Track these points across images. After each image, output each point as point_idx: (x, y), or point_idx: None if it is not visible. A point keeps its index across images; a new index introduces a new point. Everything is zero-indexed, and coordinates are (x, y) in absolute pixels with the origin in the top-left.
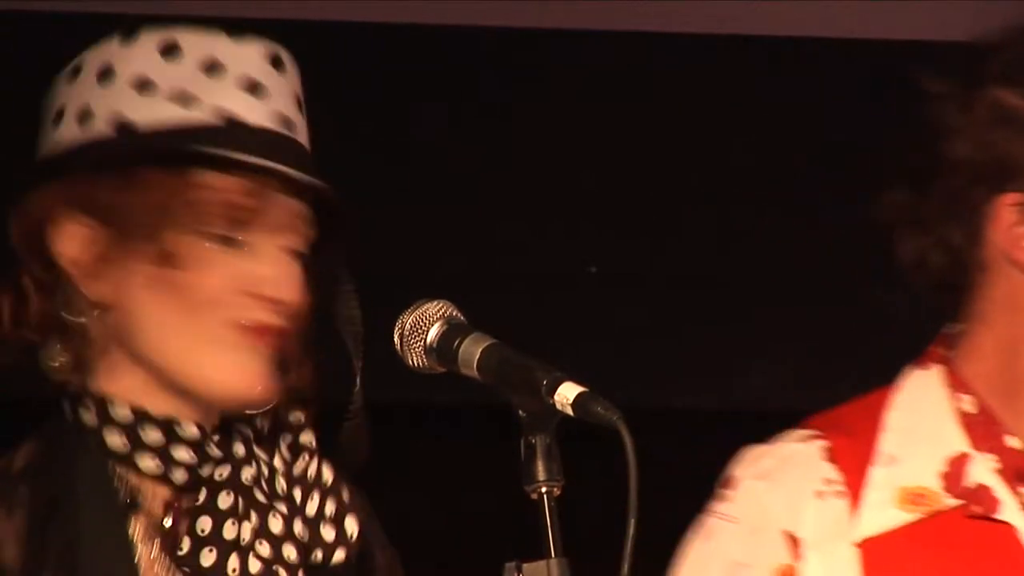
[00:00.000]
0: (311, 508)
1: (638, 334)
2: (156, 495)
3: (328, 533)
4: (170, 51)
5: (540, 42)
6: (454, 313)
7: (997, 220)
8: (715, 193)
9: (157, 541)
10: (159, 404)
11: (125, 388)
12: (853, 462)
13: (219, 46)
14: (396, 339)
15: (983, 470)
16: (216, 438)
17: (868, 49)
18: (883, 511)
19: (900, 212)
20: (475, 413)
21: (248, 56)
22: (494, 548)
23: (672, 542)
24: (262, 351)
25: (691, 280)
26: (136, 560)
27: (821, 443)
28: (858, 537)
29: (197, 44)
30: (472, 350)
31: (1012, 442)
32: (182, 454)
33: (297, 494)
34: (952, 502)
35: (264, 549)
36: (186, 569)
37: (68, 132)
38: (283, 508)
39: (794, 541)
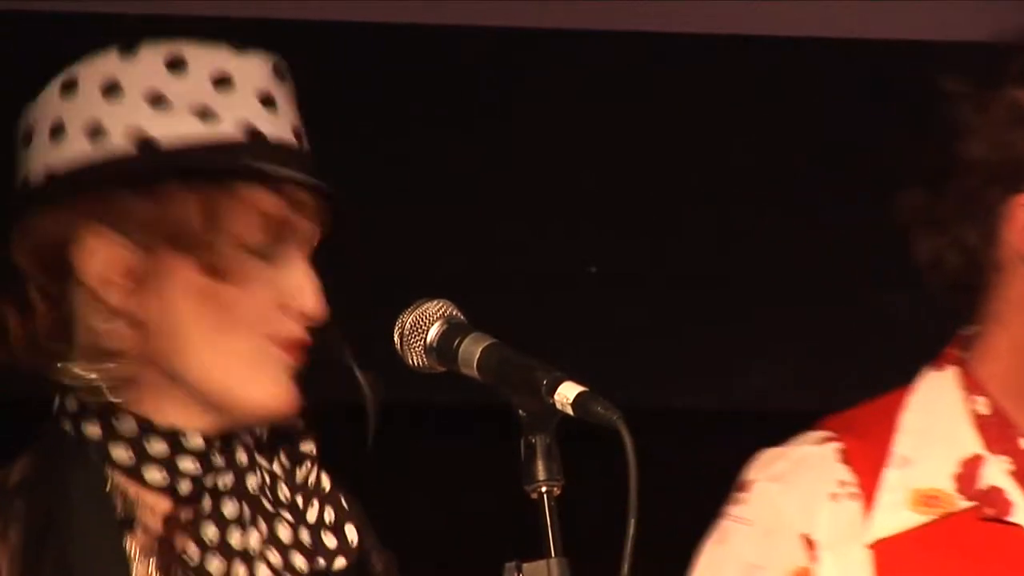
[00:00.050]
0: (312, 515)
1: (638, 334)
2: (156, 509)
3: (330, 540)
4: (176, 65)
5: (540, 42)
6: (454, 312)
7: (1012, 220)
8: (715, 193)
9: (154, 559)
10: (165, 415)
11: (132, 400)
12: (867, 464)
13: (225, 59)
14: (396, 339)
15: (997, 472)
16: (217, 445)
17: (868, 49)
18: (896, 513)
19: (916, 212)
20: (475, 413)
21: (255, 69)
22: (494, 548)
23: (672, 542)
24: (292, 365)
25: (691, 280)
26: None
27: (835, 445)
28: (871, 539)
29: (202, 57)
30: (472, 350)
31: None
32: (187, 465)
33: (299, 501)
34: (965, 504)
35: (274, 557)
36: None
37: (76, 148)
38: (288, 516)
39: (809, 543)
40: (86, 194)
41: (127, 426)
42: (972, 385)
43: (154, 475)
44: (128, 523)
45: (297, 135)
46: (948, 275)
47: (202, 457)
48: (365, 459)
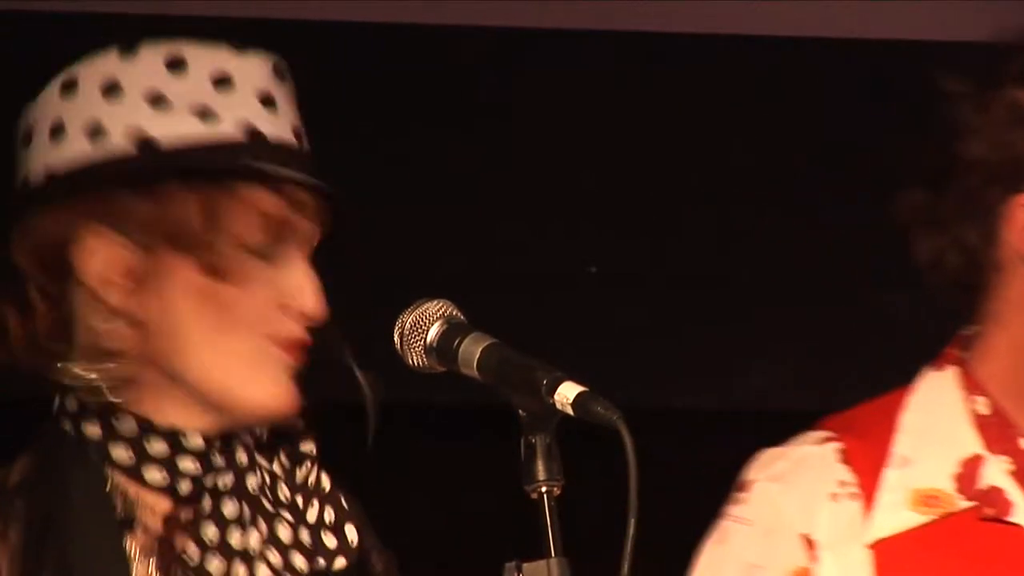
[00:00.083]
0: (311, 515)
1: (638, 334)
2: (156, 509)
3: (330, 540)
4: (176, 65)
5: (540, 42)
6: (454, 312)
7: (1012, 220)
8: (715, 193)
9: (154, 559)
10: (165, 415)
11: (132, 400)
12: (867, 464)
13: (225, 59)
14: (396, 338)
15: (996, 472)
16: (217, 445)
17: (868, 49)
18: (896, 513)
19: (916, 212)
20: (475, 413)
21: (255, 69)
22: (494, 548)
23: (672, 542)
24: (292, 365)
25: (691, 280)
26: None
27: (836, 445)
28: (871, 539)
29: (202, 57)
30: (472, 350)
31: None
32: (187, 465)
33: (299, 501)
34: (965, 504)
35: (274, 557)
36: None
37: (76, 148)
38: (288, 516)
39: (809, 543)
40: (86, 194)
41: (127, 426)
42: (972, 385)
43: (154, 475)
44: (128, 523)
45: (297, 135)
46: (948, 275)
47: (202, 457)
48: (365, 459)
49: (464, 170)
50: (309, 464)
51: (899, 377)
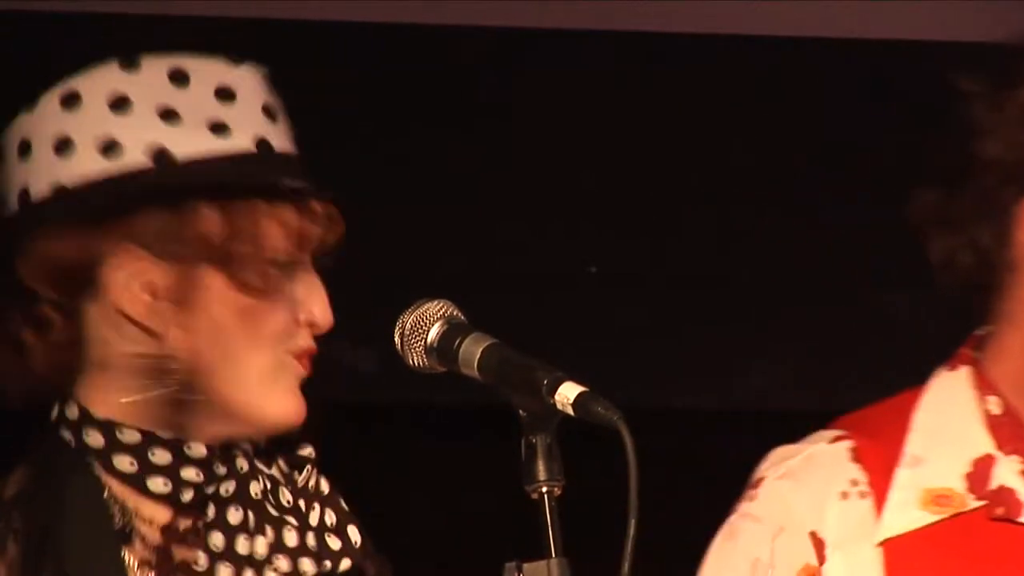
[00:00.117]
0: (314, 519)
1: (638, 334)
2: (154, 519)
3: (334, 542)
4: (179, 78)
5: (540, 42)
6: (455, 313)
7: None
8: (715, 193)
9: (152, 571)
10: (165, 423)
11: (137, 410)
12: (879, 463)
13: (224, 72)
14: (396, 339)
15: (1008, 472)
16: (218, 453)
17: (868, 49)
18: (906, 512)
19: (929, 212)
20: (475, 413)
21: (253, 81)
22: (494, 548)
23: (672, 542)
24: (303, 375)
25: (691, 280)
26: None
27: (847, 444)
28: (881, 537)
29: (202, 70)
30: (472, 350)
31: None
32: (190, 473)
33: (302, 505)
34: (976, 504)
35: (283, 563)
36: None
37: (88, 163)
38: (293, 520)
39: (818, 542)
40: (106, 210)
41: (130, 435)
42: (984, 385)
43: (157, 484)
44: (126, 534)
45: (293, 144)
46: (961, 275)
47: (204, 465)
48: (365, 459)
49: (464, 170)
50: (309, 468)
51: (899, 377)
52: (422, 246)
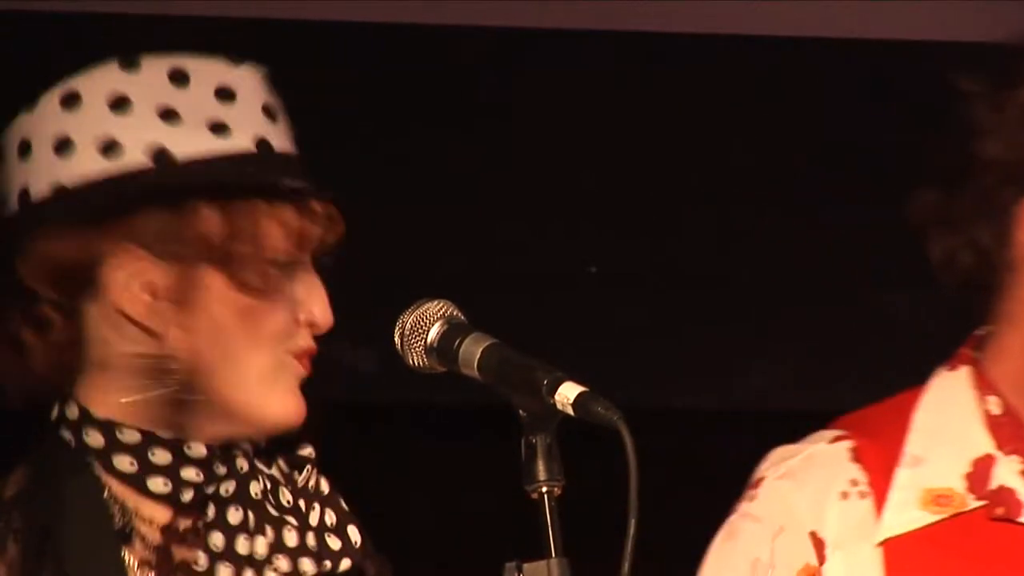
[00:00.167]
0: (314, 519)
1: (638, 334)
2: (154, 519)
3: (334, 542)
4: (179, 78)
5: (540, 42)
6: (455, 313)
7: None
8: (715, 193)
9: (151, 571)
10: (166, 423)
11: (137, 410)
12: (879, 463)
13: (224, 72)
14: (396, 339)
15: (1008, 472)
16: (218, 454)
17: (868, 49)
18: (906, 512)
19: (930, 211)
20: (475, 413)
21: (253, 81)
22: (494, 548)
23: (672, 542)
24: (303, 375)
25: (691, 280)
26: None
27: (847, 444)
28: (880, 537)
29: (202, 70)
30: (472, 350)
31: None
32: (190, 473)
33: (302, 505)
34: (976, 504)
35: (283, 563)
36: None
37: (88, 163)
38: (293, 520)
39: (818, 541)
40: (106, 210)
41: (130, 435)
42: (984, 385)
43: (157, 484)
44: (126, 535)
45: (292, 143)
46: (962, 275)
47: (204, 465)
48: (365, 459)
49: (464, 170)
50: (309, 468)
51: (899, 377)
52: (422, 246)
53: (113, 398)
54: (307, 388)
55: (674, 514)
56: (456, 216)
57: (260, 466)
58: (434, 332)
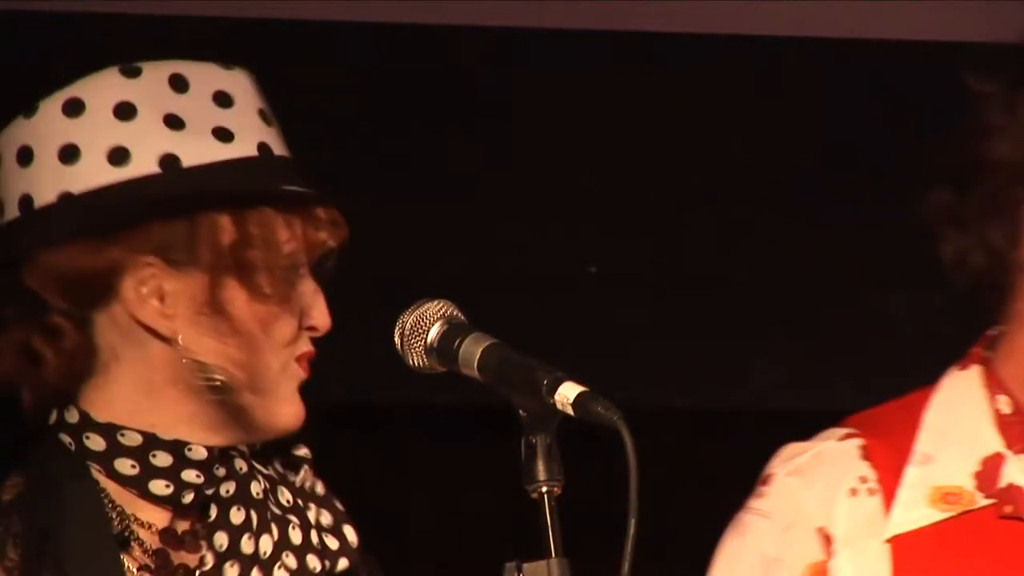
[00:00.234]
0: (312, 518)
1: (638, 334)
2: (153, 524)
3: (332, 542)
4: (179, 84)
5: (540, 42)
6: (455, 313)
7: None
8: (715, 193)
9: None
10: (172, 429)
11: (139, 413)
12: (888, 461)
13: (220, 76)
14: (396, 339)
15: (1017, 471)
16: (216, 455)
17: (868, 49)
18: (915, 509)
19: (942, 211)
20: (475, 413)
21: (246, 84)
22: (494, 548)
23: (672, 542)
24: (303, 379)
25: (691, 280)
26: None
27: (857, 441)
28: (889, 534)
29: (199, 75)
30: (472, 350)
31: None
32: (191, 475)
33: (301, 505)
34: (985, 502)
35: (291, 561)
36: None
37: (97, 171)
38: (296, 519)
39: (827, 538)
40: (119, 220)
41: (131, 438)
42: (995, 384)
43: (159, 486)
44: (124, 539)
45: (285, 146)
46: (973, 275)
47: (204, 467)
48: (365, 459)
49: (464, 170)
50: (307, 468)
51: (899, 377)
52: (422, 246)
53: (116, 402)
54: (307, 388)
55: (674, 514)
56: (456, 216)
57: (258, 467)
58: (434, 332)
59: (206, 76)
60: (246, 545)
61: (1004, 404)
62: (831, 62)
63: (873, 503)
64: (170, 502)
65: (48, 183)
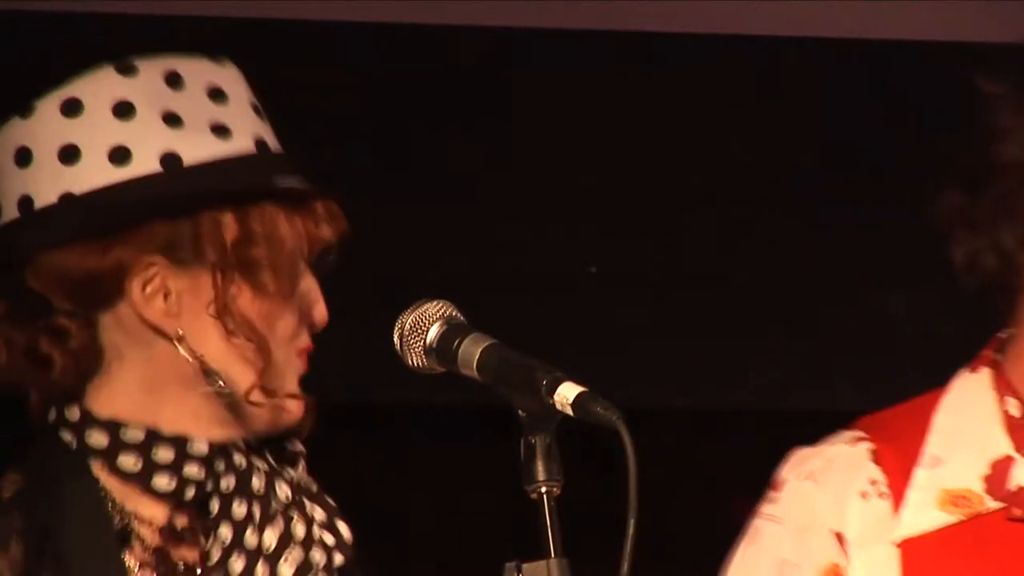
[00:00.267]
0: (310, 513)
1: (638, 334)
2: (153, 520)
3: (328, 537)
4: (174, 81)
5: (540, 42)
6: (454, 313)
7: None
8: (715, 193)
9: (151, 572)
10: (175, 424)
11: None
12: (898, 464)
13: (211, 71)
14: (396, 339)
15: None
16: (216, 450)
17: (868, 49)
18: (924, 512)
19: (954, 214)
20: (475, 413)
21: (235, 78)
22: (494, 548)
23: (672, 542)
24: (302, 373)
25: (691, 280)
26: None
27: (867, 445)
28: (898, 537)
29: (192, 70)
30: (472, 350)
31: None
32: (192, 470)
33: (299, 499)
34: (994, 505)
35: (297, 553)
36: None
37: (98, 171)
38: (297, 513)
39: (841, 540)
40: (122, 219)
41: (134, 433)
42: (1004, 387)
43: (161, 482)
44: (125, 536)
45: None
46: (984, 277)
47: (206, 462)
48: (365, 459)
49: (464, 170)
50: (302, 462)
51: (898, 377)
52: (422, 246)
53: (118, 398)
54: (307, 389)
55: (674, 514)
56: (456, 216)
57: (256, 462)
58: (433, 332)
59: (199, 71)
60: (250, 539)
61: (1013, 407)
62: (831, 62)
63: (883, 506)
64: (172, 498)
65: (48, 184)
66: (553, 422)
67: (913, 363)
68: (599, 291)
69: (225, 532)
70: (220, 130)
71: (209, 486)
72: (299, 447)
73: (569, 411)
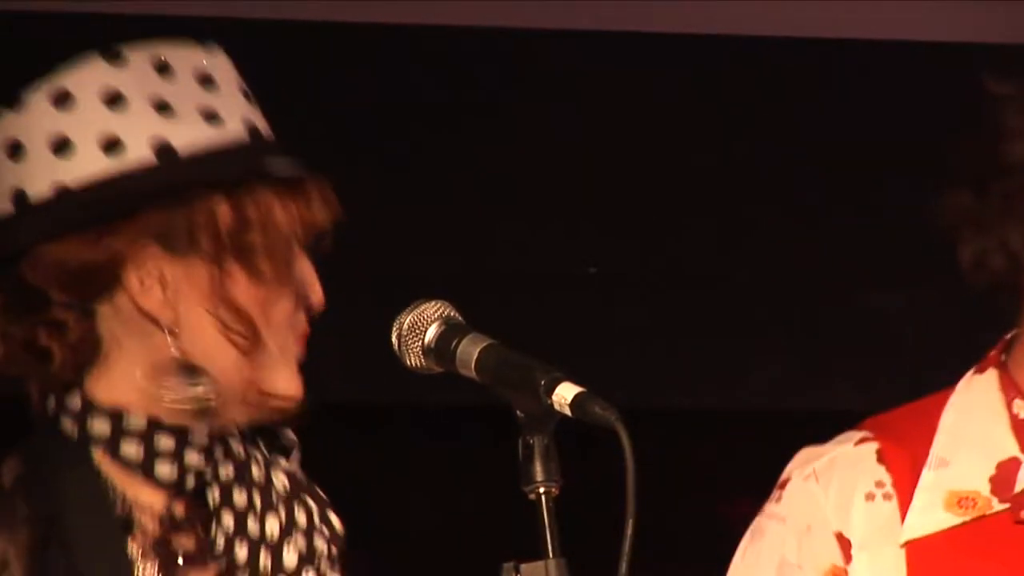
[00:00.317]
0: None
1: (638, 334)
2: (153, 509)
3: (324, 528)
4: (163, 68)
5: (540, 42)
6: (452, 313)
7: None
8: (715, 193)
9: (155, 560)
10: (175, 413)
11: (143, 398)
12: (904, 465)
13: (199, 57)
14: (394, 339)
15: None
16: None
17: (868, 49)
18: (931, 513)
19: (961, 214)
20: (475, 413)
21: (224, 63)
22: (494, 548)
23: (671, 542)
24: (300, 356)
25: (691, 280)
26: None
27: (873, 445)
28: (904, 539)
29: (181, 58)
30: (470, 350)
31: None
32: (193, 459)
33: (296, 490)
34: (1000, 506)
35: (300, 540)
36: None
37: (92, 162)
38: (296, 501)
39: (844, 542)
40: (117, 209)
41: (136, 422)
42: (1011, 388)
43: (163, 470)
44: (128, 525)
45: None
46: (991, 277)
47: (206, 451)
48: (365, 459)
49: (464, 170)
50: (296, 453)
51: (898, 377)
52: (422, 246)
53: (119, 387)
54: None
55: (674, 514)
56: (456, 216)
57: (255, 452)
58: (431, 333)
59: (187, 58)
60: (252, 527)
61: (1020, 408)
62: (831, 62)
63: (889, 508)
64: (173, 486)
65: (42, 176)
66: (551, 422)
67: (913, 363)
68: (599, 291)
69: (228, 520)
70: (211, 117)
71: (209, 475)
72: (292, 438)
73: (567, 411)
